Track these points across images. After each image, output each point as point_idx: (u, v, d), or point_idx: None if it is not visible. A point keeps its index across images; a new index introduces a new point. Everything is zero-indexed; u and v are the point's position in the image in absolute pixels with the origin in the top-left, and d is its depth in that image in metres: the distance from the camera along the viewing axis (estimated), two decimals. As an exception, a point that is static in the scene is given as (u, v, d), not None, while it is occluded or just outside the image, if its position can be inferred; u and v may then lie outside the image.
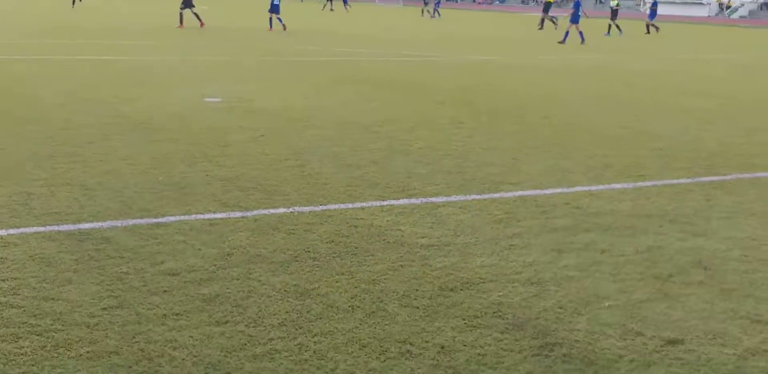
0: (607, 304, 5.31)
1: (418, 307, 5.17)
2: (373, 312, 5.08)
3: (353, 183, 8.31)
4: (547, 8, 43.48)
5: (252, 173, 8.60)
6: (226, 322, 4.86)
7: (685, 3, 79.81)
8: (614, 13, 42.23)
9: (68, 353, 4.42)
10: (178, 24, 33.73)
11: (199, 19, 33.91)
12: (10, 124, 11.01)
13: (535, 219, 7.22)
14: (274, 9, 34.72)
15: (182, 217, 6.94)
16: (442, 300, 5.31)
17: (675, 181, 8.89)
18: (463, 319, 5.01)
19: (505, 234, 6.76)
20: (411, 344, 4.65)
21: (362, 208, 7.39)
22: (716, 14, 78.91)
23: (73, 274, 5.55)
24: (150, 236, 6.40)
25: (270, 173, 8.63)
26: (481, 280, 5.67)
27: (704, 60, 27.99)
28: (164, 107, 12.98)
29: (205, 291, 5.33)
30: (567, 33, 33.72)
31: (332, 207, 7.40)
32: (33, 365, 4.27)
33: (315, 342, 4.63)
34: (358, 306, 5.16)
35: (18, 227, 6.53)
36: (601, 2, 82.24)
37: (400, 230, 6.76)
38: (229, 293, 5.30)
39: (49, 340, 4.56)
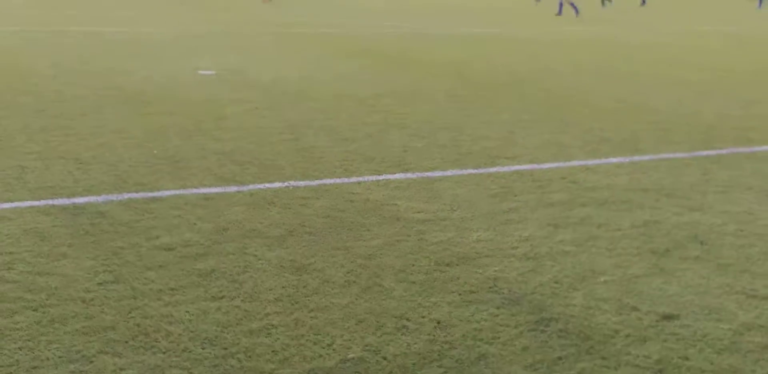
0: (602, 279, 5.32)
1: (414, 282, 5.17)
2: (370, 287, 5.08)
3: (349, 157, 8.29)
4: None
5: (247, 147, 8.57)
6: (222, 297, 4.86)
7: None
8: None
9: (64, 328, 4.41)
10: None
11: None
12: (2, 97, 10.95)
13: (532, 193, 7.21)
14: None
15: (177, 191, 6.91)
16: (439, 275, 5.30)
17: (671, 155, 8.88)
18: (459, 294, 5.01)
19: (502, 208, 6.75)
20: (407, 319, 4.65)
21: (358, 183, 7.37)
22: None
23: (68, 249, 5.54)
24: (145, 210, 6.38)
25: (265, 147, 8.60)
26: (478, 255, 5.67)
27: (699, 32, 27.89)
28: (158, 79, 12.92)
29: (200, 266, 5.32)
30: (561, 4, 33.57)
31: (328, 181, 7.38)
32: (28, 340, 4.27)
33: (311, 318, 4.63)
34: (354, 282, 5.15)
35: (12, 201, 6.51)
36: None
37: (396, 205, 6.75)
38: (225, 268, 5.30)
39: (45, 315, 4.55)
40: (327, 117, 10.36)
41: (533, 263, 5.56)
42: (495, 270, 5.39)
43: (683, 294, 5.12)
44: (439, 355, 4.25)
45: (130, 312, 4.62)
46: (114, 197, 6.69)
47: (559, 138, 9.58)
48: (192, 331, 4.42)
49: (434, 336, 4.46)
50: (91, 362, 4.07)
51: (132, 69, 14.04)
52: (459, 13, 33.24)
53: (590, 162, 8.44)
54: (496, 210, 6.71)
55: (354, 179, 7.48)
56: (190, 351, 4.21)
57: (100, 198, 6.64)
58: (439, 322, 4.63)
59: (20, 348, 4.18)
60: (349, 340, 4.38)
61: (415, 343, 4.37)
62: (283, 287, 5.03)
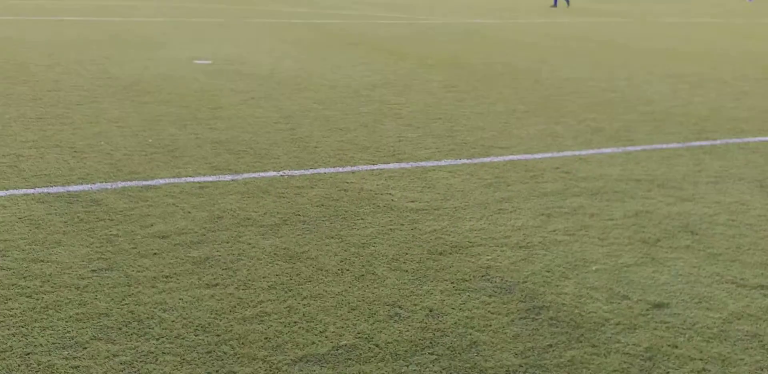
0: (594, 268, 5.35)
1: (407, 271, 5.20)
2: (363, 275, 5.11)
3: (343, 147, 8.31)
4: None
5: (242, 136, 8.59)
6: (216, 285, 4.89)
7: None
8: None
9: (58, 314, 4.44)
10: None
11: None
12: (-1, 86, 10.96)
13: (525, 183, 7.24)
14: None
15: (172, 180, 6.94)
16: (431, 263, 5.34)
17: (664, 146, 8.91)
18: (452, 283, 5.04)
19: (495, 198, 6.78)
20: (400, 307, 4.69)
21: (352, 172, 7.39)
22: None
23: (62, 236, 5.56)
24: (140, 198, 6.41)
25: (260, 136, 8.62)
26: (470, 244, 5.70)
27: (692, 23, 27.90)
28: (154, 69, 12.92)
29: (194, 253, 5.34)
30: None
31: (322, 170, 7.41)
32: (22, 326, 4.29)
33: (304, 305, 4.66)
34: (347, 270, 5.18)
35: (7, 189, 6.53)
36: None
37: (390, 194, 6.77)
38: (219, 256, 5.32)
39: (39, 302, 4.58)
40: (323, 107, 10.38)
41: (525, 252, 5.59)
42: (487, 259, 5.43)
43: (673, 283, 5.16)
44: (431, 343, 4.29)
45: (123, 299, 4.65)
46: (109, 185, 6.71)
47: (553, 128, 9.61)
48: (185, 318, 4.45)
49: (426, 323, 4.50)
50: (85, 348, 4.10)
51: (128, 58, 14.04)
52: (454, 3, 33.21)
53: (583, 152, 8.48)
54: (489, 199, 6.74)
55: (348, 168, 7.51)
56: (183, 338, 4.24)
57: (95, 187, 6.66)
58: (431, 310, 4.66)
59: (14, 334, 4.21)
60: (342, 328, 4.42)
61: (408, 331, 4.41)
62: (276, 275, 5.06)
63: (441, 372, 4.02)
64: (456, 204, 6.57)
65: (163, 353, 4.08)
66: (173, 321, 4.41)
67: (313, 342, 4.25)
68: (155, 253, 5.33)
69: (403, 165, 7.70)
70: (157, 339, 4.21)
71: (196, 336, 4.26)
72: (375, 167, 7.59)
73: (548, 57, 16.81)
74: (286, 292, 4.82)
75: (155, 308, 4.56)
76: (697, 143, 9.12)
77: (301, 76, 12.80)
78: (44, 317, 4.40)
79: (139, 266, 5.11)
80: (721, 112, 11.12)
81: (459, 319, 4.56)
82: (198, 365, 3.99)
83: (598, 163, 8.01)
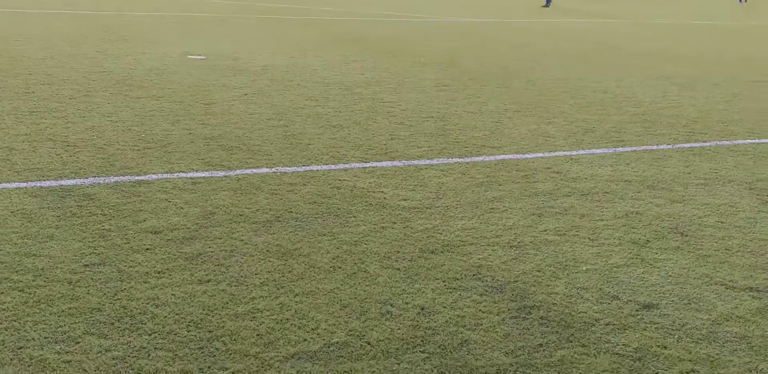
0: (584, 268, 5.39)
1: (399, 269, 5.22)
2: (355, 273, 5.14)
3: (336, 144, 8.33)
4: None
5: (235, 132, 8.60)
6: (209, 281, 4.90)
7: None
8: None
9: (50, 309, 4.45)
10: None
11: None
12: (-9, 79, 10.94)
13: (516, 183, 7.27)
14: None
15: (165, 175, 6.95)
16: (423, 262, 5.36)
17: (654, 147, 8.95)
18: (443, 281, 5.07)
19: (486, 197, 6.82)
20: (391, 305, 4.71)
21: (345, 170, 7.41)
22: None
23: (55, 230, 5.57)
24: (132, 194, 6.42)
25: (254, 132, 8.63)
26: (462, 243, 5.73)
27: (686, 25, 27.98)
28: (147, 63, 12.91)
29: (187, 249, 5.36)
30: None
31: (315, 168, 7.43)
32: (15, 320, 4.31)
33: (296, 302, 4.69)
34: (339, 267, 5.21)
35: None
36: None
37: (382, 192, 6.80)
38: (212, 252, 5.34)
39: (31, 296, 4.59)
40: (315, 104, 10.39)
41: (516, 251, 5.62)
42: (479, 258, 5.46)
43: (663, 284, 5.20)
44: (422, 341, 4.32)
45: (116, 294, 4.67)
46: (102, 180, 6.72)
47: (544, 128, 9.64)
48: (178, 314, 4.47)
49: (418, 322, 4.53)
50: (77, 343, 4.12)
51: (122, 53, 14.02)
52: (448, 2, 33.24)
53: (574, 152, 8.51)
54: (480, 199, 6.77)
55: (341, 166, 7.53)
56: (175, 334, 4.26)
57: (88, 181, 6.67)
58: (422, 308, 4.69)
59: (6, 329, 4.22)
60: (334, 325, 4.44)
61: (399, 329, 4.44)
62: (268, 272, 5.08)
63: (432, 370, 4.05)
64: (448, 203, 6.60)
65: (155, 348, 4.10)
66: (166, 317, 4.43)
67: (305, 339, 4.27)
68: (148, 249, 5.34)
69: (396, 163, 7.73)
70: (150, 335, 4.23)
71: (188, 331, 4.28)
72: (367, 165, 7.61)
73: (540, 57, 16.85)
74: (278, 289, 4.85)
75: (148, 303, 4.58)
76: (687, 145, 9.16)
77: (294, 73, 12.81)
78: (36, 311, 4.41)
79: (131, 261, 5.13)
80: (712, 114, 11.17)
81: (450, 318, 4.59)
82: (190, 361, 4.01)
83: (588, 164, 8.05)
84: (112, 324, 4.33)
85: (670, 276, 5.33)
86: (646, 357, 4.27)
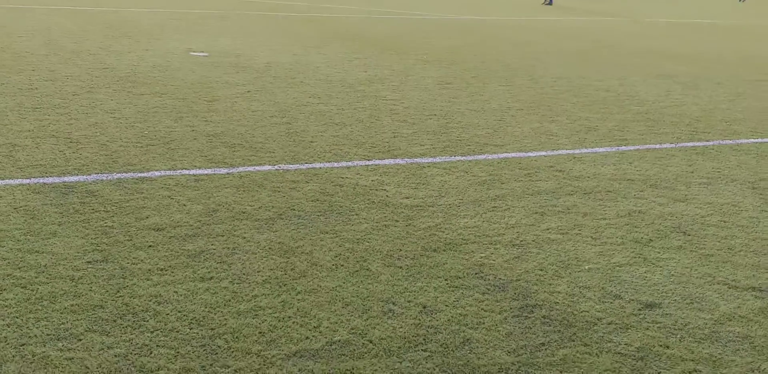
0: (587, 267, 5.38)
1: (401, 267, 5.22)
2: (357, 271, 5.13)
3: (339, 142, 8.33)
4: None
5: (238, 129, 8.60)
6: (211, 278, 4.90)
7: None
8: None
9: (53, 306, 4.45)
10: None
11: None
12: (-6, 75, 10.94)
13: (519, 181, 7.27)
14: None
15: (168, 172, 6.95)
16: (425, 260, 5.36)
17: (657, 146, 8.95)
18: (446, 280, 5.07)
19: (489, 196, 6.81)
20: (393, 303, 4.71)
21: (347, 167, 7.41)
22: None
23: (57, 227, 5.57)
24: (135, 190, 6.42)
25: (256, 130, 8.63)
26: (464, 241, 5.72)
27: (688, 23, 27.95)
28: (150, 60, 12.91)
29: (189, 246, 5.36)
30: None
31: (318, 165, 7.42)
32: (17, 317, 4.31)
33: (298, 300, 4.69)
34: (341, 265, 5.20)
35: (2, 179, 6.53)
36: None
37: (384, 190, 6.79)
38: (214, 249, 5.34)
39: (34, 293, 4.59)
40: (318, 101, 10.39)
41: (519, 250, 5.62)
42: (481, 257, 5.46)
43: (665, 283, 5.19)
44: (424, 339, 4.31)
45: (118, 291, 4.67)
46: (104, 176, 6.72)
47: (547, 127, 9.64)
48: (180, 311, 4.47)
49: (420, 320, 4.53)
50: (79, 340, 4.12)
51: (125, 49, 14.02)
52: (450, 0, 33.24)
53: (577, 151, 8.51)
54: (483, 197, 6.76)
55: (344, 164, 7.52)
56: (177, 331, 4.26)
57: (91, 178, 6.67)
58: (424, 307, 4.69)
59: (9, 325, 4.22)
60: (336, 323, 4.44)
61: (401, 327, 4.43)
62: (271, 269, 5.08)
63: (434, 368, 4.05)
64: (450, 202, 6.59)
65: (157, 346, 4.10)
66: (168, 314, 4.43)
67: (307, 337, 4.27)
68: (150, 246, 5.34)
69: (398, 161, 7.73)
70: (152, 332, 4.23)
71: (190, 329, 4.28)
72: (370, 163, 7.61)
73: (542, 55, 16.84)
74: (280, 287, 4.84)
75: (150, 301, 4.58)
76: (690, 144, 9.16)
77: (297, 70, 12.80)
78: (39, 308, 4.41)
79: (134, 258, 5.13)
80: (714, 113, 11.16)
81: (452, 316, 4.59)
82: (192, 358, 4.01)
83: (591, 162, 8.04)
84: (115, 321, 4.33)
85: (672, 275, 5.33)
86: (649, 356, 4.27)
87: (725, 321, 4.71)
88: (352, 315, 4.54)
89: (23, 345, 4.04)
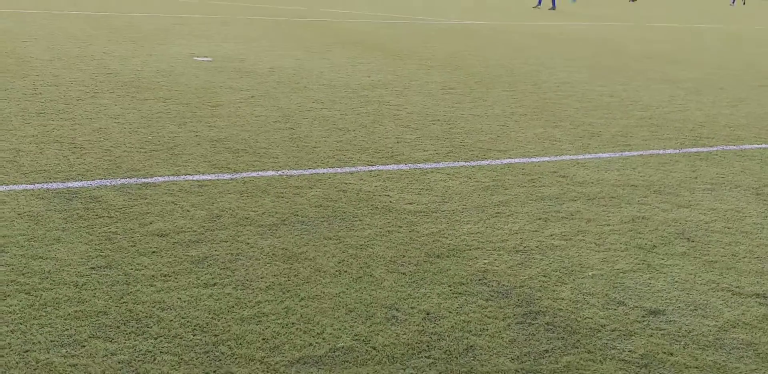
0: (590, 274, 5.38)
1: (404, 273, 5.22)
2: (360, 277, 5.13)
3: (342, 147, 8.33)
4: None
5: (242, 135, 8.61)
6: (214, 284, 4.90)
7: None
8: None
9: (56, 312, 4.45)
10: None
11: None
12: (-2, 80, 10.96)
13: (522, 187, 7.26)
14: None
15: (171, 178, 6.95)
16: (429, 266, 5.36)
17: (661, 152, 8.94)
18: (449, 286, 5.07)
19: (492, 201, 6.81)
20: (397, 309, 4.71)
21: (351, 173, 7.41)
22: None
23: (61, 233, 5.57)
24: (139, 196, 6.42)
25: (260, 135, 8.64)
26: (468, 247, 5.72)
27: (691, 28, 27.95)
28: (154, 65, 12.93)
29: (193, 252, 5.36)
30: None
31: (321, 171, 7.43)
32: (21, 323, 4.31)
33: (302, 306, 4.68)
34: (345, 271, 5.20)
35: (6, 184, 6.54)
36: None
37: (388, 195, 6.80)
38: (218, 255, 5.34)
39: (37, 299, 4.59)
40: (321, 106, 10.40)
41: (522, 256, 5.62)
42: (484, 263, 5.45)
43: (669, 290, 5.19)
44: (427, 346, 4.31)
45: (122, 298, 4.67)
46: (108, 182, 6.73)
47: (551, 132, 9.64)
48: (183, 317, 4.47)
49: (423, 327, 4.52)
50: (83, 346, 4.12)
51: (129, 54, 14.05)
52: (453, 4, 33.25)
53: (580, 156, 8.51)
54: (486, 203, 6.76)
55: (347, 169, 7.53)
56: (181, 338, 4.26)
57: (95, 183, 6.68)
58: (428, 313, 4.69)
59: (12, 331, 4.22)
60: (339, 330, 4.44)
61: (404, 334, 4.43)
62: (274, 275, 5.08)
63: (437, 375, 4.04)
64: (454, 207, 6.59)
65: (161, 352, 4.10)
66: (171, 321, 4.43)
67: (311, 344, 4.27)
68: (154, 252, 5.34)
69: (402, 166, 7.73)
70: (155, 339, 4.23)
71: (194, 335, 4.28)
72: (373, 168, 7.61)
73: (546, 60, 16.84)
74: (284, 293, 4.84)
75: (153, 307, 4.58)
76: (694, 149, 9.15)
77: (300, 75, 12.82)
78: (43, 314, 4.42)
79: (137, 264, 5.13)
80: (718, 118, 11.16)
81: (456, 323, 4.58)
82: (196, 365, 4.01)
83: (595, 168, 8.04)
84: (118, 327, 4.33)
85: (676, 282, 5.33)
86: (652, 363, 4.26)
87: (729, 328, 4.70)
88: (355, 322, 4.54)
89: (27, 351, 4.04)
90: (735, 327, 4.73)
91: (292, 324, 4.47)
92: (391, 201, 6.64)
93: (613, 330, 4.59)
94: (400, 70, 14.13)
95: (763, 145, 9.57)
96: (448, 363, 4.15)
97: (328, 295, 4.85)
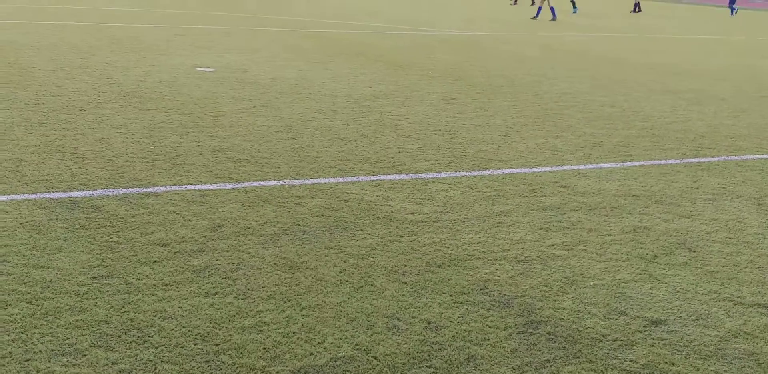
0: (592, 283, 5.38)
1: (405, 283, 5.22)
2: (362, 286, 5.14)
3: (344, 157, 8.34)
4: None
5: (244, 145, 8.62)
6: (216, 294, 4.91)
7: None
8: None
9: (57, 321, 4.46)
10: None
11: None
12: (1, 90, 10.98)
13: (524, 197, 7.27)
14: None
15: (173, 187, 6.96)
16: (430, 276, 5.36)
17: (662, 162, 8.95)
18: (450, 295, 5.07)
19: (494, 211, 6.81)
20: (398, 319, 4.71)
21: (352, 183, 7.42)
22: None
23: (63, 242, 5.58)
24: (141, 206, 6.43)
25: (262, 145, 8.65)
26: (469, 257, 5.72)
27: (692, 39, 27.99)
28: (157, 75, 12.96)
29: (194, 262, 5.37)
30: (540, 8, 33.68)
31: (323, 181, 7.44)
32: (22, 332, 4.31)
33: (303, 316, 4.69)
34: (346, 281, 5.21)
35: (9, 194, 6.55)
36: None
37: (389, 205, 6.80)
38: (219, 265, 5.35)
39: (39, 308, 4.59)
40: (323, 116, 10.41)
41: (524, 266, 5.62)
42: (486, 273, 5.45)
43: (671, 300, 5.19)
44: (428, 356, 4.31)
45: (123, 307, 4.67)
46: (110, 192, 6.73)
47: (552, 142, 9.64)
48: (185, 327, 4.47)
49: (424, 336, 4.52)
50: (84, 355, 4.12)
51: (131, 64, 14.08)
52: (454, 15, 33.32)
53: (582, 167, 8.51)
54: (488, 212, 6.77)
55: (349, 179, 7.54)
56: (182, 347, 4.26)
57: (96, 193, 6.69)
58: (429, 323, 4.69)
59: (14, 340, 4.22)
60: (341, 339, 4.44)
61: (406, 343, 4.43)
62: (276, 285, 5.08)
63: (438, 385, 4.04)
64: (455, 217, 6.60)
65: (162, 362, 4.10)
66: (172, 330, 4.43)
67: (312, 353, 4.27)
68: (155, 261, 5.35)
69: (403, 176, 7.74)
70: (156, 348, 4.23)
71: (195, 345, 4.28)
72: (375, 178, 7.62)
73: (547, 70, 16.86)
74: (285, 302, 4.85)
75: (155, 316, 4.58)
76: (695, 160, 9.16)
77: (302, 85, 12.84)
78: (44, 323, 4.42)
79: (139, 273, 5.13)
80: (719, 129, 11.16)
81: (457, 332, 4.58)
82: (197, 374, 4.01)
83: (596, 178, 8.05)
84: (119, 336, 4.33)
85: (677, 292, 5.32)
86: (654, 373, 4.26)
87: (731, 338, 4.70)
88: (356, 331, 4.54)
89: (28, 360, 4.04)
90: (736, 337, 4.72)
91: (293, 333, 4.47)
92: (392, 211, 6.65)
93: (614, 340, 4.59)
94: (401, 80, 14.16)
95: (765, 156, 9.58)
96: (449, 373, 4.15)
97: (330, 305, 4.85)
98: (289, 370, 4.09)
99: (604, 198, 7.37)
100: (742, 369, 4.36)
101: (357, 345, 4.39)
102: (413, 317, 4.75)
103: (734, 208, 7.29)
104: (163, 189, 6.91)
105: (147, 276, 5.11)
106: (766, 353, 4.54)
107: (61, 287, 4.87)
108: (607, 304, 5.06)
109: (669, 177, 8.27)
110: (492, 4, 45.30)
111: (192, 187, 7.02)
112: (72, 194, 6.63)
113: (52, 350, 4.15)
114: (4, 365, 3.98)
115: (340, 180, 7.49)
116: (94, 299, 4.74)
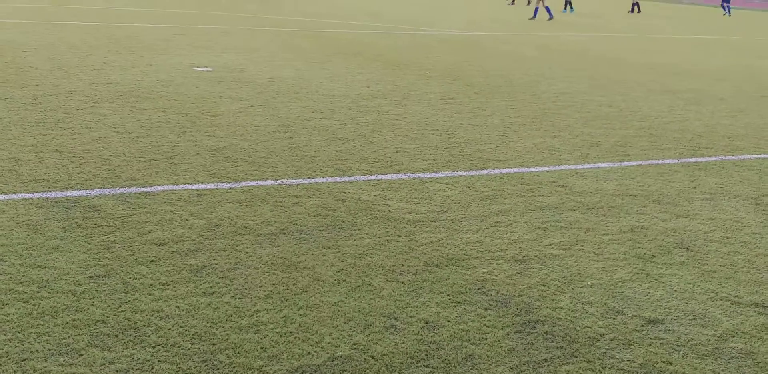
0: (589, 283, 5.38)
1: (403, 282, 5.22)
2: (359, 286, 5.13)
3: (341, 157, 8.34)
4: None
5: (241, 144, 8.61)
6: (213, 293, 4.90)
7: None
8: None
9: (54, 321, 4.45)
10: None
11: None
12: (-2, 89, 10.98)
13: (521, 196, 7.26)
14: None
15: (170, 187, 6.95)
16: (428, 275, 5.36)
17: (660, 162, 8.95)
18: (448, 295, 5.06)
19: (491, 211, 6.81)
20: (396, 318, 4.71)
21: (350, 182, 7.41)
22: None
23: (60, 242, 5.57)
24: (138, 205, 6.42)
25: (259, 145, 8.65)
26: (466, 257, 5.72)
27: (691, 39, 28.00)
28: (154, 75, 12.95)
29: (192, 261, 5.36)
30: (537, 9, 33.69)
31: (320, 180, 7.43)
32: (19, 332, 4.30)
33: (300, 315, 4.68)
34: (344, 280, 5.20)
35: (5, 193, 6.54)
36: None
37: (387, 205, 6.80)
38: (216, 264, 5.34)
39: (35, 307, 4.59)
40: (321, 116, 10.41)
41: (521, 266, 5.61)
42: (483, 272, 5.45)
43: (668, 299, 5.18)
44: (426, 355, 4.31)
45: (120, 306, 4.66)
46: (107, 191, 6.73)
47: (550, 142, 9.64)
48: (182, 326, 4.47)
49: (422, 336, 4.52)
50: (81, 355, 4.11)
51: (128, 64, 14.06)
52: (453, 15, 33.32)
53: (579, 166, 8.51)
54: (485, 212, 6.76)
55: (346, 179, 7.53)
56: (179, 347, 4.25)
57: (93, 192, 6.68)
58: (427, 322, 4.68)
59: (10, 340, 4.22)
60: (338, 338, 4.43)
61: (403, 343, 4.43)
62: (273, 284, 5.08)
63: (436, 384, 4.04)
64: (452, 217, 6.59)
65: (159, 361, 4.10)
66: (169, 329, 4.42)
67: (309, 353, 4.26)
68: (152, 260, 5.34)
69: (401, 176, 7.73)
70: (153, 347, 4.23)
71: (192, 344, 4.28)
72: (372, 178, 7.61)
73: (545, 70, 16.86)
74: (282, 302, 4.84)
75: (152, 316, 4.57)
76: (693, 159, 9.16)
77: (300, 85, 12.83)
78: (41, 323, 4.41)
79: (136, 273, 5.13)
80: (717, 128, 11.16)
81: (454, 332, 4.58)
82: None
83: (594, 178, 8.04)
84: (116, 336, 4.32)
85: (675, 291, 5.32)
86: (651, 373, 4.26)
87: (728, 338, 4.70)
88: (354, 331, 4.53)
89: (24, 360, 4.04)
90: (734, 336, 4.72)
91: (291, 333, 4.47)
92: (390, 211, 6.64)
93: (612, 340, 4.58)
94: (399, 80, 14.15)
95: (762, 156, 9.58)
96: (447, 372, 4.14)
97: (327, 304, 4.84)
98: (287, 370, 4.08)
99: (601, 197, 7.37)
100: (739, 368, 4.35)
101: (354, 344, 4.38)
102: (411, 316, 4.74)
103: (731, 208, 7.29)
104: (160, 188, 6.90)
105: (144, 275, 5.10)
106: (763, 352, 4.54)
107: (57, 286, 4.86)
108: (605, 304, 5.06)
109: (666, 176, 8.27)
110: (492, 4, 45.33)
111: (189, 186, 7.01)
112: (69, 193, 6.62)
113: (49, 350, 4.14)
114: (0, 365, 3.97)
115: (338, 179, 7.49)
116: (90, 298, 4.74)
